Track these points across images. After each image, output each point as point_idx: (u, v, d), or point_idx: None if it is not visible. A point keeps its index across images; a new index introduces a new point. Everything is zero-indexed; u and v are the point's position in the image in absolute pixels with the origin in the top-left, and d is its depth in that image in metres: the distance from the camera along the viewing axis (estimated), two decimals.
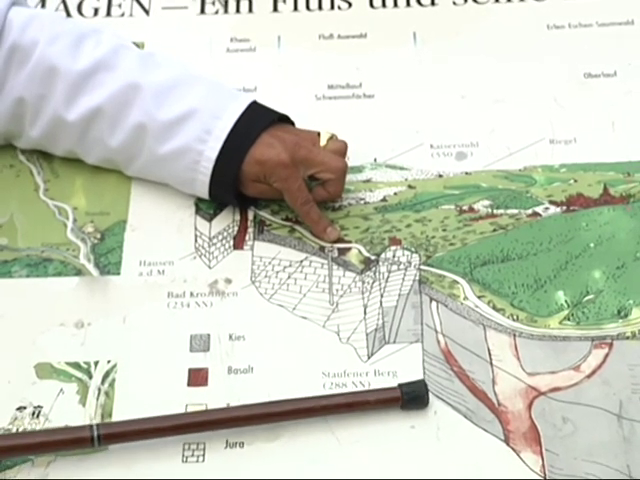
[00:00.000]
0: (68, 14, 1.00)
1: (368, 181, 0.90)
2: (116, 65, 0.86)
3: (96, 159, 0.89)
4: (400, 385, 0.75)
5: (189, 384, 0.77)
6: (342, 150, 0.88)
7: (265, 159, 0.83)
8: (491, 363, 0.77)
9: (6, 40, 0.86)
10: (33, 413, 0.76)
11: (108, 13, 1.00)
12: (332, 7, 1.01)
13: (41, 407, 0.76)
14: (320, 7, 1.01)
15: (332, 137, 0.87)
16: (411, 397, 0.75)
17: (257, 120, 0.85)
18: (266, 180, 0.84)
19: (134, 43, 0.97)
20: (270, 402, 0.75)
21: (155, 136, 0.85)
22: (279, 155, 0.83)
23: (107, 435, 0.72)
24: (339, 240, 0.85)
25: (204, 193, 0.86)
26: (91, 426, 0.72)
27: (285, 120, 0.88)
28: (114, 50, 0.87)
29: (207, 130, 0.84)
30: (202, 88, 0.86)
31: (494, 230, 0.86)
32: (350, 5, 1.01)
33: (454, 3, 1.03)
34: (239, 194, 0.86)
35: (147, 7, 1.01)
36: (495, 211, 0.87)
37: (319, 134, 0.87)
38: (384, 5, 1.01)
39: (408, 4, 1.01)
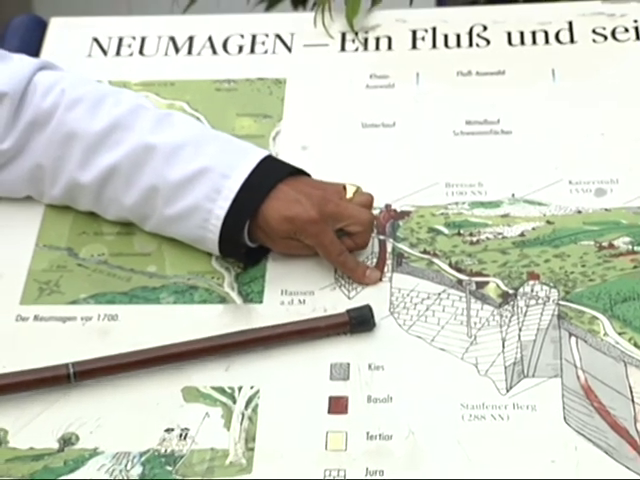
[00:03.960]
0: (214, 52, 1.03)
1: (506, 216, 0.90)
2: (132, 125, 0.88)
3: (114, 216, 0.91)
4: (348, 310, 0.82)
5: (329, 411, 0.79)
6: (369, 203, 0.88)
7: (293, 216, 0.84)
8: (633, 400, 0.76)
9: (29, 105, 0.89)
10: (180, 435, 0.78)
11: (252, 50, 1.03)
12: (470, 44, 1.02)
13: (188, 429, 0.78)
14: (458, 44, 1.02)
15: (358, 190, 0.88)
16: (358, 321, 0.82)
17: (268, 176, 0.86)
18: (297, 236, 0.85)
19: (277, 79, 1.00)
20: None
21: (166, 197, 0.86)
22: (308, 212, 0.84)
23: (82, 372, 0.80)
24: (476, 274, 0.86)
25: (215, 250, 0.87)
26: (67, 365, 0.79)
27: (301, 173, 0.89)
28: (131, 110, 0.89)
29: (217, 189, 0.85)
30: (214, 147, 0.87)
31: (634, 267, 0.85)
32: (488, 42, 1.02)
33: (594, 41, 1.03)
34: (258, 249, 0.88)
35: (289, 44, 1.03)
36: (636, 248, 0.86)
37: (345, 187, 0.88)
38: (522, 42, 1.02)
39: (547, 42, 1.02)
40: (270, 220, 0.84)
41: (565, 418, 0.76)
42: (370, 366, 0.81)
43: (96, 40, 1.04)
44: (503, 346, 0.81)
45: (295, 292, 0.86)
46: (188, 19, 1.07)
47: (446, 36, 1.03)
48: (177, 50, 1.04)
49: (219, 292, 0.87)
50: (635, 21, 1.05)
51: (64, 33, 1.05)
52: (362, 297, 0.86)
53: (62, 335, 0.85)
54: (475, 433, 0.76)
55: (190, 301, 0.87)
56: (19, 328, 0.85)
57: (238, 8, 1.33)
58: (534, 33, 1.02)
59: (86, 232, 0.91)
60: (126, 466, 0.76)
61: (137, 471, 0.76)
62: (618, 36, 1.03)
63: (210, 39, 1.05)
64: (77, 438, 0.78)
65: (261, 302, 0.86)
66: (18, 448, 0.78)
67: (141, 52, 1.04)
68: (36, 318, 0.86)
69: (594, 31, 1.04)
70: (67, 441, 0.78)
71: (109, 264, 0.89)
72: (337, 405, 0.79)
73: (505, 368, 0.80)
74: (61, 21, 1.06)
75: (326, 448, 0.77)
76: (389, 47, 1.03)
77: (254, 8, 1.66)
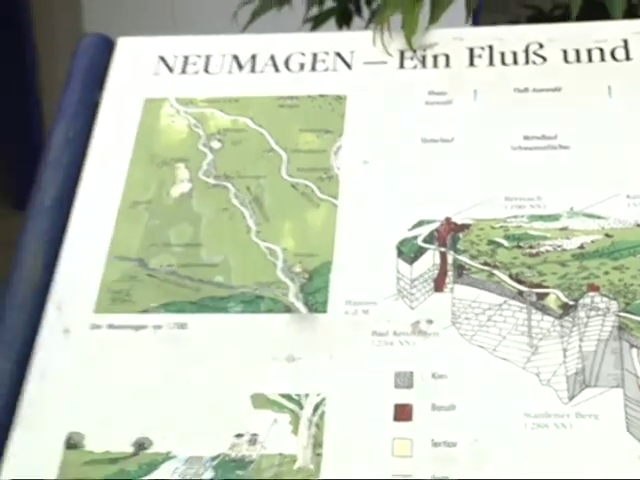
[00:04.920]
0: (277, 69, 1.05)
1: (565, 229, 0.91)
2: None
3: None
4: None
5: (395, 419, 0.80)
6: None
7: None
8: None
9: None
10: (250, 440, 0.80)
11: (313, 68, 1.05)
12: (527, 62, 1.03)
13: (257, 435, 0.80)
14: (515, 62, 1.03)
15: None
16: None
17: None
18: None
19: (337, 96, 1.02)
20: None
21: None
22: None
23: None
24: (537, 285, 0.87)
25: None
26: None
27: None
28: None
29: None
30: None
31: None
32: (545, 60, 1.03)
33: None
34: None
35: (349, 62, 1.04)
36: None
37: None
38: (578, 60, 1.02)
39: (602, 59, 1.02)
40: None
41: (628, 427, 0.76)
42: (434, 375, 0.82)
43: (162, 59, 1.06)
44: (564, 356, 0.82)
45: (359, 302, 0.87)
46: (250, 38, 1.08)
47: (503, 54, 1.04)
48: (240, 68, 1.05)
49: (284, 302, 0.88)
50: None
51: (132, 52, 1.07)
52: (424, 307, 0.86)
53: (134, 342, 0.86)
54: (538, 441, 0.77)
55: (257, 310, 0.88)
56: (94, 336, 0.87)
57: (285, 27, 1.34)
58: (589, 51, 1.03)
59: (155, 244, 0.92)
60: (198, 470, 0.78)
61: (209, 475, 0.77)
62: None
63: (272, 57, 1.06)
64: (150, 442, 0.80)
65: (325, 312, 0.87)
66: (94, 451, 0.80)
67: (206, 70, 1.05)
68: (110, 326, 0.87)
69: None
70: (141, 445, 0.80)
71: (178, 274, 0.90)
72: (402, 412, 0.80)
73: (567, 378, 0.80)
74: (128, 40, 1.08)
75: (392, 454, 0.78)
76: (447, 64, 1.04)
77: (301, 28, 1.68)
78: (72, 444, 0.80)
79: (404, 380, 0.82)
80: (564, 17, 1.60)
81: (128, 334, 0.87)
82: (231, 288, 0.89)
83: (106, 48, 1.08)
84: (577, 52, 1.03)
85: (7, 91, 4.45)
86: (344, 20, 1.82)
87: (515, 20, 1.74)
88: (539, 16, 1.87)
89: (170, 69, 1.05)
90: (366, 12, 1.65)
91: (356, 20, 1.73)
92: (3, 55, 4.57)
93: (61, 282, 0.90)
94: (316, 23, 1.82)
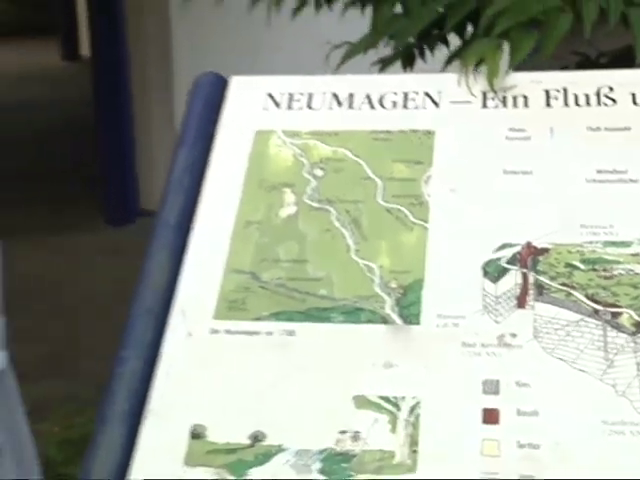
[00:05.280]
0: (372, 107, 1.05)
1: (636, 255, 0.89)
2: None
3: None
4: None
5: (483, 421, 0.79)
6: None
7: None
8: None
9: None
10: (353, 437, 0.80)
11: (404, 106, 1.05)
12: (598, 103, 1.02)
13: (359, 432, 0.80)
14: (588, 103, 1.02)
15: None
16: None
17: None
18: None
19: (427, 131, 1.02)
20: None
21: None
22: None
23: None
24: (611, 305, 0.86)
25: None
26: None
27: None
28: None
29: None
30: None
31: None
32: (614, 102, 1.02)
33: None
34: None
35: (437, 101, 1.05)
36: None
37: None
38: None
39: None
40: None
41: None
42: (518, 383, 0.81)
43: (270, 95, 1.07)
44: (638, 370, 0.81)
45: (449, 316, 0.87)
46: (348, 79, 1.09)
47: (576, 96, 1.03)
48: (340, 105, 1.06)
49: (382, 314, 0.88)
50: None
51: (243, 89, 1.08)
52: (508, 322, 0.86)
53: (249, 346, 0.87)
54: (615, 446, 0.76)
55: (357, 321, 0.88)
56: (213, 339, 0.88)
57: (354, 68, 1.35)
58: None
59: (266, 259, 0.93)
60: (307, 461, 0.78)
61: (317, 467, 0.78)
62: None
63: (368, 96, 1.06)
64: (264, 435, 0.80)
65: (419, 323, 0.87)
66: (216, 442, 0.80)
67: (309, 106, 1.06)
68: (227, 331, 0.88)
69: None
70: (256, 438, 0.80)
71: (287, 287, 0.91)
72: (490, 416, 0.80)
73: None
74: (240, 79, 1.09)
75: (481, 453, 0.77)
76: (525, 105, 1.03)
77: (369, 69, 1.67)
78: (196, 434, 0.81)
79: (491, 387, 0.81)
80: (609, 64, 1.60)
81: (243, 339, 0.87)
82: (334, 300, 0.90)
83: (220, 85, 1.09)
84: None
85: (108, 126, 4.53)
86: (408, 62, 1.82)
87: (565, 66, 1.73)
88: (586, 62, 1.85)
89: (277, 105, 1.06)
90: (429, 55, 1.64)
91: (419, 62, 1.73)
92: (105, 92, 4.65)
93: (184, 291, 0.91)
94: (384, 65, 1.83)
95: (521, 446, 0.77)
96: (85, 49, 6.78)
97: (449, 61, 1.45)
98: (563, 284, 0.88)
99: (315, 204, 0.97)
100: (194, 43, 4.55)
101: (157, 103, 4.68)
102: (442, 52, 1.68)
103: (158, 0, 4.51)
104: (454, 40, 1.58)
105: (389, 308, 0.89)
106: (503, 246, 0.91)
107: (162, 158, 4.72)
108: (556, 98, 1.04)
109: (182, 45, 4.58)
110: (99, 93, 4.64)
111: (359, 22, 1.72)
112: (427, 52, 1.65)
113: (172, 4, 4.46)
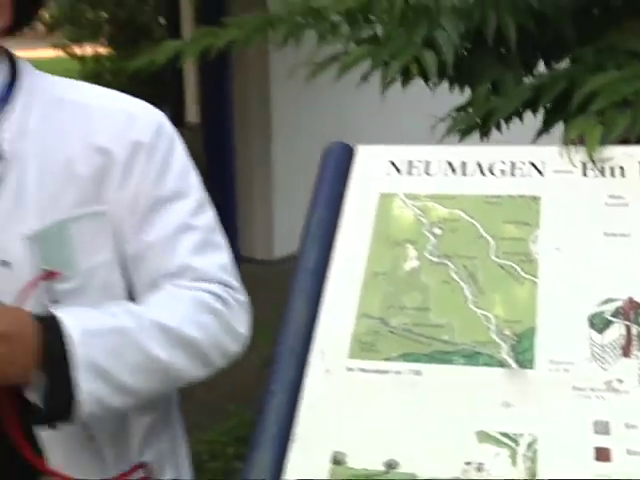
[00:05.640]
0: (483, 174, 1.06)
1: None
2: None
3: None
4: None
5: (596, 459, 0.79)
6: None
7: None
8: None
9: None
10: (477, 468, 0.80)
11: (512, 174, 1.06)
12: None
13: (483, 464, 0.80)
14: None
15: None
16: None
17: None
18: None
19: (533, 196, 1.03)
20: None
21: None
22: None
23: None
24: None
25: None
26: None
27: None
28: None
29: None
30: None
31: None
32: None
33: None
34: None
35: (542, 170, 1.05)
36: None
37: None
38: None
39: None
40: None
41: None
42: (627, 425, 0.81)
43: (392, 163, 1.09)
44: None
45: (560, 362, 0.87)
46: (460, 149, 1.10)
47: None
48: (454, 172, 1.07)
49: (499, 358, 0.89)
50: None
51: (368, 157, 1.11)
52: (614, 369, 0.85)
53: (380, 383, 0.88)
54: None
55: (476, 364, 0.89)
56: (349, 376, 0.89)
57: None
58: None
59: (393, 306, 0.95)
60: None
61: None
62: None
63: (479, 164, 1.08)
64: (397, 464, 0.81)
65: (533, 368, 0.87)
66: (354, 468, 0.81)
67: (427, 172, 1.08)
68: (361, 369, 0.90)
69: None
70: (391, 465, 0.81)
71: (412, 332, 0.92)
72: (602, 454, 0.79)
73: None
74: (365, 148, 1.12)
75: None
76: (622, 174, 1.03)
77: (445, 139, 1.67)
78: (337, 461, 0.82)
79: (602, 428, 0.81)
80: None
81: (375, 376, 0.89)
82: (455, 345, 0.91)
83: (347, 153, 1.12)
84: None
85: (214, 181, 4.63)
86: (485, 133, 1.83)
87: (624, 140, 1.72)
88: None
89: (398, 171, 1.08)
90: (504, 127, 1.65)
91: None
92: (213, 152, 4.77)
93: (322, 333, 0.93)
94: (463, 134, 1.84)
95: None
96: (191, 116, 6.96)
97: (539, 134, 1.47)
98: None
99: (435, 259, 0.98)
100: (291, 111, 4.65)
101: (257, 162, 4.78)
102: (515, 123, 1.69)
103: (261, 72, 4.63)
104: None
105: (505, 353, 0.89)
106: (607, 300, 0.91)
107: (260, 211, 4.81)
108: None
109: (281, 112, 4.69)
110: (208, 153, 4.76)
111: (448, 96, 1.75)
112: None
113: (273, 77, 4.57)
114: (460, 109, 1.57)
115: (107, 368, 0.93)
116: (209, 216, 1.10)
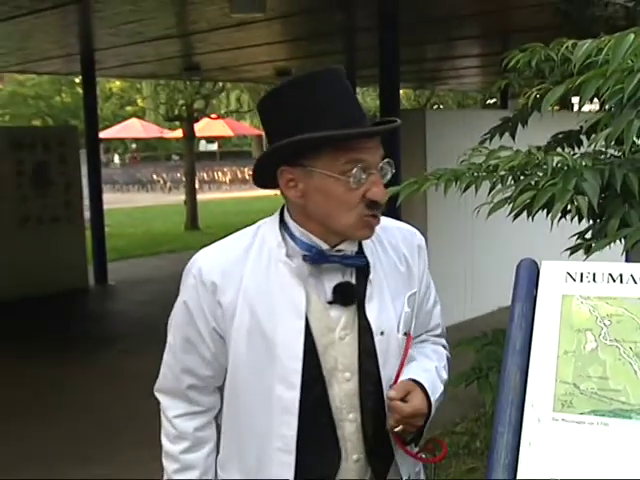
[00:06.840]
0: (635, 282, 1.36)
1: None
2: None
3: None
4: None
5: None
6: None
7: None
8: None
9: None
10: None
11: None
12: None
13: None
14: None
15: None
16: None
17: None
18: None
19: None
20: None
21: None
22: None
23: None
24: None
25: None
26: None
27: None
28: None
29: None
30: None
31: None
32: None
33: None
34: None
35: None
36: None
37: None
38: None
39: None
40: None
41: None
42: None
43: (569, 273, 1.40)
44: None
45: None
46: (619, 264, 1.40)
47: None
48: (614, 280, 1.36)
49: None
50: None
51: (550, 269, 1.42)
52: None
53: (578, 431, 1.18)
54: None
55: None
56: (554, 424, 1.20)
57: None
58: None
59: (581, 375, 1.25)
60: None
61: None
62: None
63: (632, 275, 1.37)
64: None
65: None
66: None
67: (594, 280, 1.38)
68: (563, 420, 1.20)
69: None
70: None
71: (598, 394, 1.22)
72: None
73: None
74: (547, 263, 1.43)
75: None
76: None
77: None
78: None
79: None
80: None
81: (574, 426, 1.19)
82: (630, 405, 1.20)
83: (534, 266, 1.43)
84: None
85: None
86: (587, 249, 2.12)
87: None
88: None
89: (573, 279, 1.39)
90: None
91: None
92: None
93: (531, 392, 1.24)
94: (588, 252, 2.13)
95: None
96: None
97: None
98: None
99: (608, 342, 1.28)
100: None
101: None
102: None
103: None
104: None
105: None
106: None
107: None
108: None
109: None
110: None
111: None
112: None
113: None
114: (586, 236, 1.96)
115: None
116: None
